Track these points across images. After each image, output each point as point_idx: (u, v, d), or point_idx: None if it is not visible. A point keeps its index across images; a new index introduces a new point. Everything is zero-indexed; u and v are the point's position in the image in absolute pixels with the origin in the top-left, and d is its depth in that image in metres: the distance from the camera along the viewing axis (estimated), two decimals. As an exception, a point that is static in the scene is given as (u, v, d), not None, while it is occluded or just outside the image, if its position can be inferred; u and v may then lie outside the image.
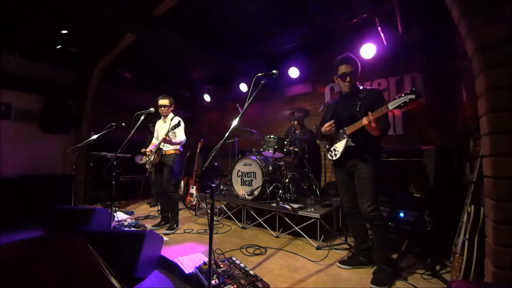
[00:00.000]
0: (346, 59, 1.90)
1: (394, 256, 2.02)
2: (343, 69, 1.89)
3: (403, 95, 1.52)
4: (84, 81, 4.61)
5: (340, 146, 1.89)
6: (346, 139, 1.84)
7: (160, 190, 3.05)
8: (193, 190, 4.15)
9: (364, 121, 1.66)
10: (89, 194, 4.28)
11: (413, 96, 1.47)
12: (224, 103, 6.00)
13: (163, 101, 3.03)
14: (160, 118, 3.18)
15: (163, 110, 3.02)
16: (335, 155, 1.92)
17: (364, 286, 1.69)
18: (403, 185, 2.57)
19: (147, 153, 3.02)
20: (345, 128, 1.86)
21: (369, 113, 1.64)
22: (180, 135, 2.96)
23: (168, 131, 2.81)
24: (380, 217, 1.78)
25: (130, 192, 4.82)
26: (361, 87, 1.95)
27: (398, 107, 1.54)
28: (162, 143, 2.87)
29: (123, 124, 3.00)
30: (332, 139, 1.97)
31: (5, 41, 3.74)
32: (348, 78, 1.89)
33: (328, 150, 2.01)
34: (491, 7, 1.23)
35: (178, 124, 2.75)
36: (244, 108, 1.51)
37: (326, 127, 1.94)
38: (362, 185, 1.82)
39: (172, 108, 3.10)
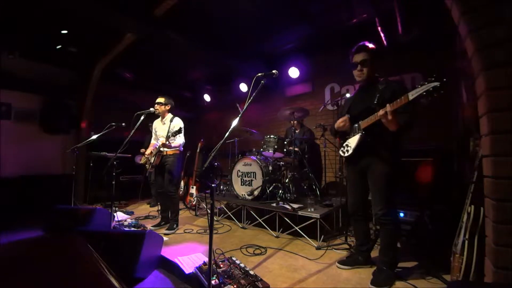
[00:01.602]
0: (358, 47, 1.78)
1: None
2: (355, 58, 1.78)
3: (425, 83, 1.35)
4: (84, 81, 4.61)
5: (353, 141, 1.75)
6: (360, 134, 1.70)
7: (160, 190, 3.05)
8: (193, 190, 4.15)
9: (380, 112, 1.52)
10: (89, 194, 4.28)
11: (437, 84, 1.29)
12: (224, 103, 6.00)
13: (159, 99, 3.02)
14: (158, 118, 3.15)
15: (156, 107, 2.98)
16: (347, 151, 1.80)
17: (364, 286, 1.69)
18: (403, 185, 2.57)
19: (146, 155, 3.02)
20: (360, 122, 1.72)
21: (388, 104, 1.49)
22: (179, 138, 2.94)
23: (169, 136, 2.79)
24: (391, 222, 1.69)
25: (130, 192, 4.82)
26: (381, 79, 1.81)
27: (420, 96, 1.35)
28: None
29: (123, 124, 3.00)
30: (346, 135, 1.85)
31: (5, 41, 3.74)
32: (359, 67, 1.77)
33: (341, 145, 1.89)
34: (491, 7, 1.23)
35: (179, 131, 2.71)
36: (244, 108, 1.51)
37: (340, 122, 1.84)
38: (375, 186, 1.73)
39: (168, 108, 3.05)
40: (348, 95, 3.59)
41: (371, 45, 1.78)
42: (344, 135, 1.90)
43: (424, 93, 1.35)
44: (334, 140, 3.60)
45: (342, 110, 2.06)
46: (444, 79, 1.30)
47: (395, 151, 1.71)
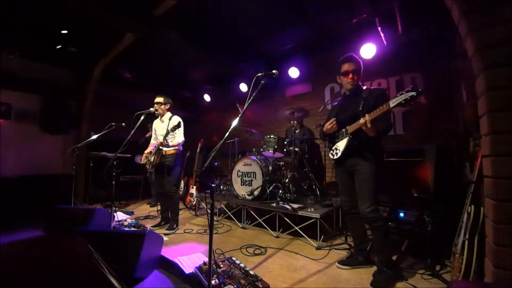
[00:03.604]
0: (348, 57, 1.93)
1: (394, 257, 2.02)
2: (346, 66, 1.91)
3: (404, 92, 1.49)
4: (84, 81, 4.61)
5: (341, 145, 1.88)
6: (347, 138, 1.83)
7: (161, 190, 3.05)
8: (193, 190, 4.14)
9: (361, 120, 1.67)
10: (89, 194, 4.28)
11: (414, 93, 1.44)
12: (224, 103, 6.00)
13: (158, 99, 3.01)
14: (158, 118, 3.14)
15: (156, 107, 2.98)
16: (336, 154, 1.91)
17: (364, 286, 1.69)
18: (403, 185, 2.56)
19: (146, 154, 3.01)
20: (347, 127, 1.85)
21: (366, 114, 1.65)
22: (179, 136, 2.94)
23: (168, 133, 2.79)
24: (379, 219, 1.76)
25: (130, 192, 4.82)
26: (364, 87, 1.95)
27: (399, 104, 1.50)
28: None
29: (123, 124, 3.00)
30: (335, 138, 1.97)
31: (5, 41, 3.74)
32: (350, 75, 1.89)
33: (330, 149, 2.00)
34: (491, 7, 1.23)
35: (178, 126, 2.72)
36: (244, 108, 1.51)
37: (328, 124, 1.95)
38: (362, 185, 1.81)
39: (167, 107, 3.05)
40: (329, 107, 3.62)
41: (357, 57, 1.94)
42: (332, 139, 2.00)
43: (403, 102, 1.48)
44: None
45: (328, 116, 2.16)
46: (419, 89, 1.44)
47: (378, 153, 1.86)
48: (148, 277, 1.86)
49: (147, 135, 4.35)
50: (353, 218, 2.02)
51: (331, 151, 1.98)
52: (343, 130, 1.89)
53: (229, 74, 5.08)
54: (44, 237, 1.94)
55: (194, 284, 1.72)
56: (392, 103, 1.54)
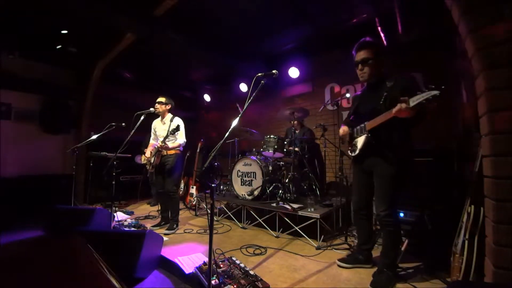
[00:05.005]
0: (361, 44, 1.73)
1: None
2: (357, 56, 1.73)
3: (426, 90, 1.36)
4: (84, 81, 4.61)
5: (359, 141, 1.78)
6: (365, 135, 1.71)
7: (161, 190, 3.05)
8: (193, 190, 4.15)
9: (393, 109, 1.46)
10: (89, 194, 4.28)
11: (437, 92, 1.32)
12: (224, 103, 6.00)
13: (160, 98, 3.01)
14: (158, 117, 3.14)
15: (157, 106, 2.97)
16: (354, 151, 1.82)
17: (364, 286, 1.69)
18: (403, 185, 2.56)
19: (146, 156, 3.01)
20: (365, 123, 1.71)
21: (399, 104, 1.46)
22: (180, 137, 2.95)
23: (167, 136, 2.79)
24: (393, 223, 1.68)
25: (130, 192, 4.82)
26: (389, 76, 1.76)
27: (420, 105, 1.37)
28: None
29: (123, 124, 3.00)
30: (353, 134, 1.87)
31: (5, 41, 3.74)
32: (360, 66, 1.71)
33: (349, 145, 1.91)
34: (491, 7, 1.23)
35: (177, 129, 2.71)
36: (244, 108, 1.51)
37: (340, 133, 1.91)
38: (379, 188, 1.72)
39: (168, 107, 3.05)
40: (348, 95, 3.57)
41: (373, 41, 1.74)
42: (351, 136, 1.91)
43: (424, 101, 1.36)
44: (334, 140, 3.59)
45: (351, 108, 2.05)
46: (443, 87, 1.32)
47: (402, 152, 1.65)
48: (148, 277, 1.86)
49: None
50: (360, 220, 1.96)
51: (350, 147, 1.89)
52: (362, 125, 1.75)
53: (229, 74, 5.08)
54: (44, 237, 1.94)
55: (194, 284, 1.72)
56: (412, 101, 1.40)
